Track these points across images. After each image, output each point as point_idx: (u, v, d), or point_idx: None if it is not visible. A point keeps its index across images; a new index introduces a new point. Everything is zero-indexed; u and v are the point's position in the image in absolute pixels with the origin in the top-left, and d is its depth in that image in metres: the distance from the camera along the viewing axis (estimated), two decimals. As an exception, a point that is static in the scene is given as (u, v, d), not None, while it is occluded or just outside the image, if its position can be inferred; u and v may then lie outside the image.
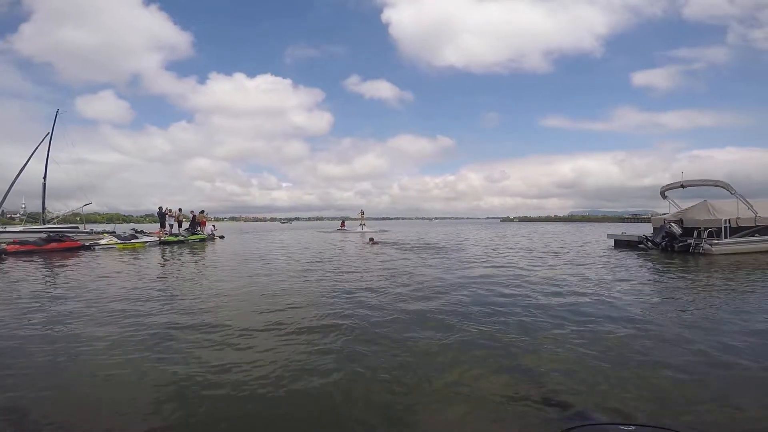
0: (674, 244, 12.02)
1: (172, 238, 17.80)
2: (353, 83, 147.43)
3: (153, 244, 16.78)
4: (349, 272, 8.56)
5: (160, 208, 18.89)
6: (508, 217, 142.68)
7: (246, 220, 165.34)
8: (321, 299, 5.76)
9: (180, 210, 20.71)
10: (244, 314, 4.94)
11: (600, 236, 23.34)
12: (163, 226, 18.90)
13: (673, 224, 12.34)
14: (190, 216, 21.13)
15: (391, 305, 5.27)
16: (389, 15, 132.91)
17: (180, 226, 20.23)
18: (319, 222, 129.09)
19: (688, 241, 11.73)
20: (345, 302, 5.49)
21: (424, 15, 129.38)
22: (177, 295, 6.08)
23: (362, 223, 32.01)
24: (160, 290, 6.50)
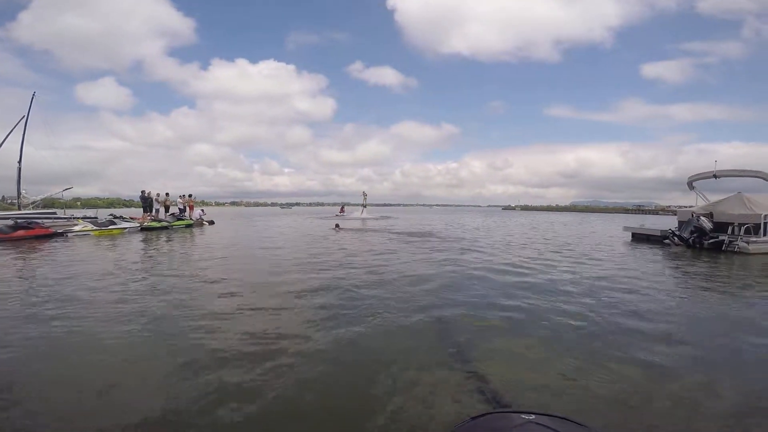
0: (704, 240, 10.80)
1: (155, 224, 16.61)
2: (357, 69, 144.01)
3: (133, 231, 15.62)
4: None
5: (143, 192, 17.65)
6: (509, 205, 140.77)
7: (247, 204, 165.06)
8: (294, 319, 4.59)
9: (167, 194, 19.50)
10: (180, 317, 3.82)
11: (611, 228, 22.13)
12: (146, 210, 17.72)
13: (703, 218, 11.08)
14: (178, 201, 19.95)
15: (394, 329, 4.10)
16: (395, 1, 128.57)
17: (167, 211, 19.05)
18: (319, 207, 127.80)
19: (721, 237, 10.50)
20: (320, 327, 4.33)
21: (432, 1, 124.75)
22: (106, 294, 4.93)
23: (364, 205, 31.23)
24: (86, 289, 5.30)
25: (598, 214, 68.97)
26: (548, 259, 8.83)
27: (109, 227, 14.90)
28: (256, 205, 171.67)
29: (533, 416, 0.95)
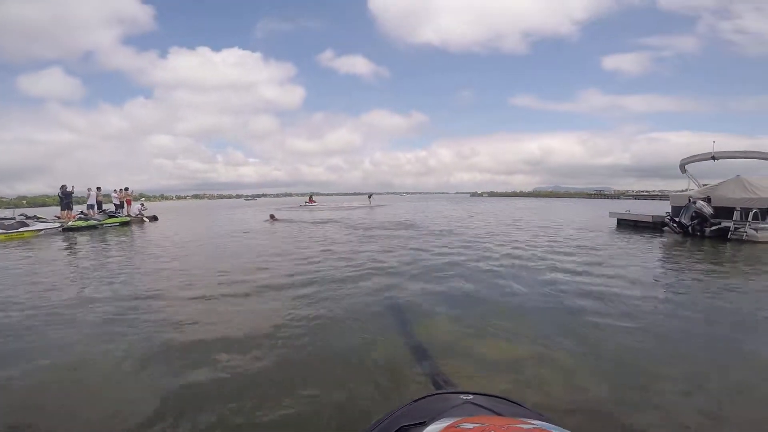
0: (704, 227, 9.95)
1: (80, 224, 13.95)
2: (327, 58, 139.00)
3: (52, 232, 12.98)
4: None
5: (63, 186, 14.79)
6: (476, 192, 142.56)
7: (210, 197, 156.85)
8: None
9: (98, 188, 16.67)
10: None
11: (586, 213, 21.63)
12: (68, 208, 14.94)
13: (701, 202, 10.23)
14: (113, 195, 17.17)
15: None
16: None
17: (99, 207, 16.29)
18: (286, 198, 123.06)
19: (725, 224, 9.67)
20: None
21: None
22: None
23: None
24: None
25: (562, 199, 70.92)
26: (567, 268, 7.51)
27: (19, 230, 12.17)
28: (220, 197, 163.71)
29: (471, 396, 0.90)
